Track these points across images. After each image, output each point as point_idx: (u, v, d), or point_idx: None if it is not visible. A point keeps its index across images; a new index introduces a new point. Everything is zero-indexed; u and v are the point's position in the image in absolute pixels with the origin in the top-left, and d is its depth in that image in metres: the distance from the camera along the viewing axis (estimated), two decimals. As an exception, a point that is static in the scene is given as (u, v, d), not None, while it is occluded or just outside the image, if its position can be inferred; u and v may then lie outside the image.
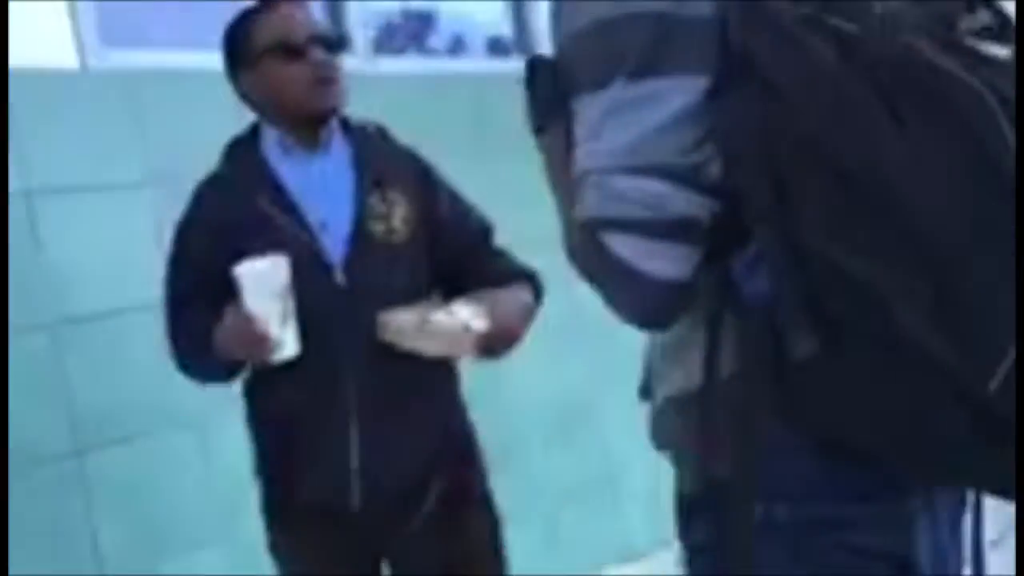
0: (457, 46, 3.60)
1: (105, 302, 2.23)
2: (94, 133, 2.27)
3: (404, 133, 1.86)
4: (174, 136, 2.34)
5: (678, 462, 1.00)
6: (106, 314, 2.23)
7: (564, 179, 0.97)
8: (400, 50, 3.39)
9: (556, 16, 0.96)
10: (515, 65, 3.55)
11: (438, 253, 1.76)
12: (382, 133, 1.82)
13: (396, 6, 3.37)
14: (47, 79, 2.20)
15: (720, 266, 0.92)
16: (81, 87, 2.28)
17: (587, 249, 0.92)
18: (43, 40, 2.21)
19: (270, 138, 1.74)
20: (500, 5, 3.69)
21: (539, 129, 1.03)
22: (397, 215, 1.71)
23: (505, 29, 3.70)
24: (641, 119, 0.88)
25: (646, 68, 0.88)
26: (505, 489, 1.90)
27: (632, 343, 1.12)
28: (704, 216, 0.89)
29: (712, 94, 0.88)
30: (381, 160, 1.75)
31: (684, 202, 0.88)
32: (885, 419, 0.84)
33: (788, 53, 0.83)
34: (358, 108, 1.82)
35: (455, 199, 1.83)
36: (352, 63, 2.96)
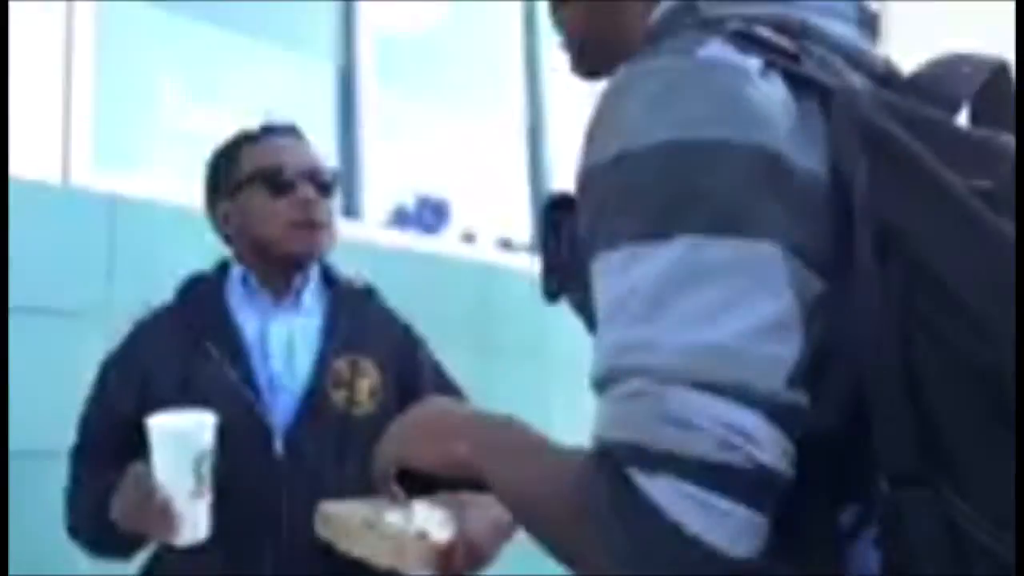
0: (467, 240, 3.49)
1: (35, 441, 1.93)
2: (63, 253, 2.07)
3: (403, 312, 1.65)
4: (148, 267, 2.14)
5: None
6: (34, 454, 1.93)
7: None
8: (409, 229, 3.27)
9: (602, 124, 0.67)
10: (527, 259, 3.49)
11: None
12: (368, 291, 1.60)
13: (411, 191, 3.28)
14: (24, 190, 2.02)
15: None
16: (59, 203, 2.10)
17: (600, 491, 0.60)
18: (31, 150, 2.06)
19: (236, 278, 1.51)
20: (519, 204, 3.61)
21: (554, 294, 0.77)
22: (364, 386, 1.45)
23: (520, 230, 3.60)
24: (730, 303, 0.59)
25: (736, 220, 0.60)
26: None
27: None
28: (787, 475, 0.60)
29: (832, 284, 0.61)
30: (359, 321, 1.52)
31: (776, 450, 0.59)
32: None
33: (970, 245, 0.57)
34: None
35: (442, 382, 1.58)
36: (357, 231, 2.86)
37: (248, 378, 1.41)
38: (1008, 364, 0.55)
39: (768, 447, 0.58)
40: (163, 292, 1.59)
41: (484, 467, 0.73)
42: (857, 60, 0.72)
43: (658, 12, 0.75)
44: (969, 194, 0.58)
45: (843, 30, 0.72)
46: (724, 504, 0.57)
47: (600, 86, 0.73)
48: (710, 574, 0.57)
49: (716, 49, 0.65)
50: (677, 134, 0.62)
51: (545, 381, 2.93)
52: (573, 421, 2.70)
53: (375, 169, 3.07)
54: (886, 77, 0.74)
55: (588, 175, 0.67)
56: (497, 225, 3.57)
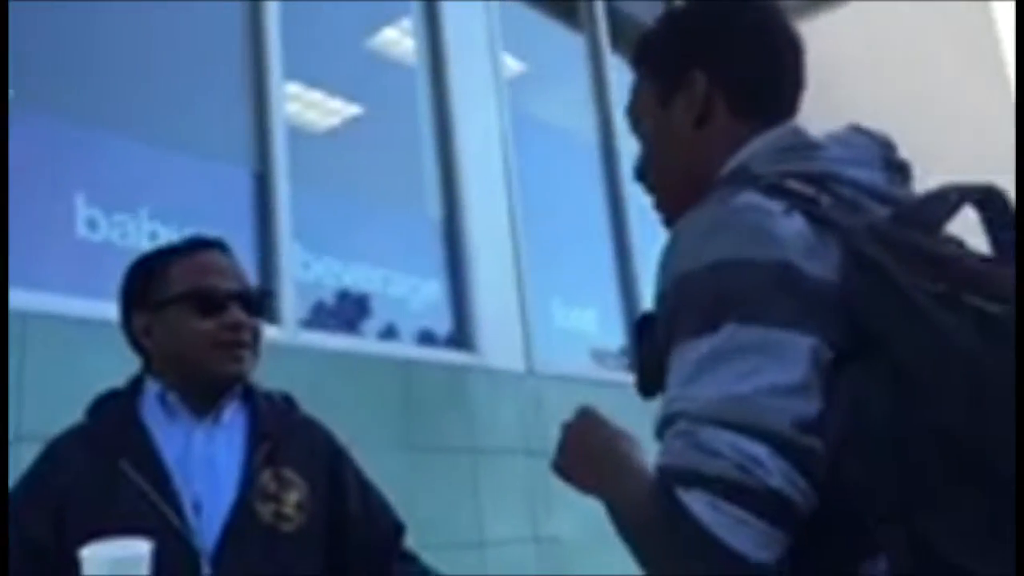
0: (388, 334, 3.49)
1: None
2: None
3: (324, 414, 1.62)
4: (56, 388, 2.08)
5: None
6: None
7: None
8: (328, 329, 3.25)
9: (670, 258, 0.89)
10: (446, 354, 3.49)
11: (337, 550, 1.46)
12: (288, 402, 1.58)
13: (330, 287, 3.28)
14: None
15: None
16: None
17: (656, 510, 0.80)
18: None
19: (151, 395, 1.47)
20: (436, 297, 3.63)
21: (649, 391, 0.93)
22: (291, 499, 1.42)
23: (439, 323, 3.62)
24: (753, 371, 0.80)
25: (761, 314, 0.81)
26: None
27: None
28: (801, 504, 0.78)
29: (834, 368, 0.80)
30: (281, 433, 1.49)
31: (783, 477, 0.77)
32: None
33: (920, 332, 0.76)
34: (276, 382, 1.59)
35: (367, 489, 1.56)
36: (276, 334, 2.83)
37: (171, 500, 1.37)
38: (957, 423, 0.73)
39: (776, 474, 0.77)
40: (75, 409, 1.54)
41: (603, 496, 0.91)
42: (883, 197, 0.93)
43: (726, 169, 0.98)
44: (925, 296, 0.77)
45: (869, 175, 0.94)
46: (740, 514, 0.75)
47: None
48: (732, 574, 0.75)
49: (747, 197, 0.88)
50: (720, 256, 0.85)
51: (473, 474, 2.92)
52: (503, 511, 2.69)
53: (292, 271, 3.06)
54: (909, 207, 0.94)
55: (663, 294, 0.89)
56: (417, 320, 3.58)
